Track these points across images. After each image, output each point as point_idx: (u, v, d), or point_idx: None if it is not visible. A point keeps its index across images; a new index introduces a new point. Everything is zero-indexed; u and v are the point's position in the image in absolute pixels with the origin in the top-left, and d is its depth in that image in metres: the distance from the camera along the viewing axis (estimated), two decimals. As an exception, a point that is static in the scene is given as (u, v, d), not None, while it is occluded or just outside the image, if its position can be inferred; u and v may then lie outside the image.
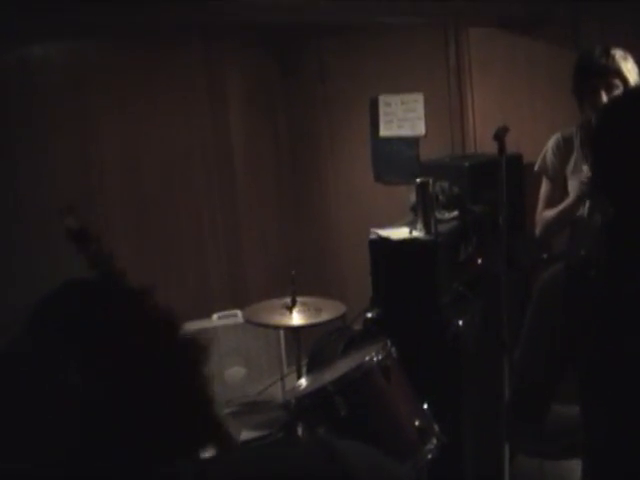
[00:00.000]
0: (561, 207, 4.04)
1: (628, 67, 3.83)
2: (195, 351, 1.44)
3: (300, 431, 3.27)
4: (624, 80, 3.79)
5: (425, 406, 3.40)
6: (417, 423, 3.29)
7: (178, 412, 1.38)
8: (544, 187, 4.19)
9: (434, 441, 3.32)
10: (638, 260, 2.06)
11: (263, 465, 1.41)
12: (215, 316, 5.37)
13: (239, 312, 5.16)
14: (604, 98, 3.75)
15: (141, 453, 1.35)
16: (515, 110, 5.55)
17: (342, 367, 3.45)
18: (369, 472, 1.43)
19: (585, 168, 3.87)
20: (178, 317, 1.43)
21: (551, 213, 4.10)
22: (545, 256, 4.28)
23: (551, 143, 4.17)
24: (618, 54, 3.82)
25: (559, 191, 4.12)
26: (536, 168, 4.23)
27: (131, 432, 1.35)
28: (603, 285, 2.05)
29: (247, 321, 4.41)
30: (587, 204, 3.91)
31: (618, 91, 3.77)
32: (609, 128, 2.15)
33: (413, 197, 4.27)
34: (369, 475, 1.41)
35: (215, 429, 1.44)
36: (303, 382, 3.63)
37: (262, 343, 5.41)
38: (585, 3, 5.34)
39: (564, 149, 4.10)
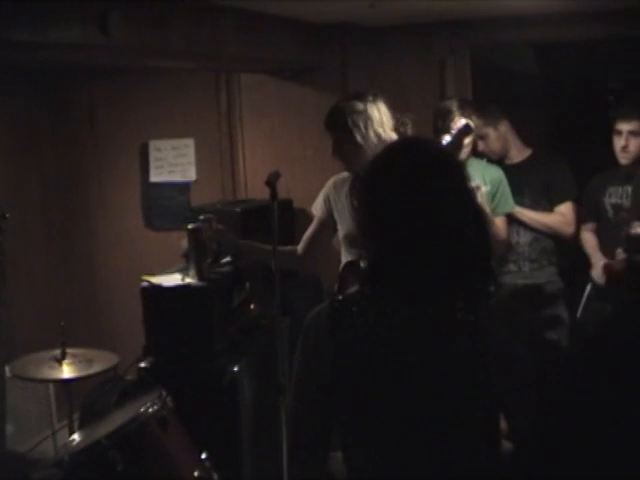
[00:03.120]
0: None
1: (358, 120, 3.89)
2: None
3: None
4: (349, 134, 3.87)
5: (204, 455, 3.35)
6: (196, 473, 3.22)
7: None
8: (311, 225, 4.27)
9: (213, 491, 3.27)
10: (395, 297, 2.14)
11: None
12: (-21, 371, 5.11)
13: (6, 366, 4.93)
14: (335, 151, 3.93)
15: None
16: (286, 156, 5.65)
17: (116, 420, 3.34)
18: None
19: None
20: None
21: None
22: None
23: (326, 185, 4.24)
24: (348, 108, 3.91)
25: (325, 233, 4.22)
26: (312, 208, 4.29)
27: None
28: (364, 319, 2.13)
29: (14, 375, 4.23)
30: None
31: (346, 145, 3.89)
32: (370, 180, 2.23)
33: (185, 243, 4.22)
34: None
35: None
36: (76, 437, 3.49)
37: (31, 398, 5.19)
38: (353, 52, 5.53)
39: (335, 193, 4.18)
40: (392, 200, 2.14)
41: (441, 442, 2.11)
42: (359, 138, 3.87)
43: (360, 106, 3.92)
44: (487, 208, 4.17)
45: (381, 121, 3.94)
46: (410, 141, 2.62)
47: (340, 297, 2.26)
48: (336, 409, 2.19)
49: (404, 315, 2.11)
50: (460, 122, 3.93)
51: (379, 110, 3.95)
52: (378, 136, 3.88)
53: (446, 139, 3.74)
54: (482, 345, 2.07)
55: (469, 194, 2.23)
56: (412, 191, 2.11)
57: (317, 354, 2.19)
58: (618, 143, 4.92)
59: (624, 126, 4.89)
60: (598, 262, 5.02)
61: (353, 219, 2.33)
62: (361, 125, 3.89)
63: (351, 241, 3.99)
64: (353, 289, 2.30)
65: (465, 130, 3.83)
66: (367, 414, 2.15)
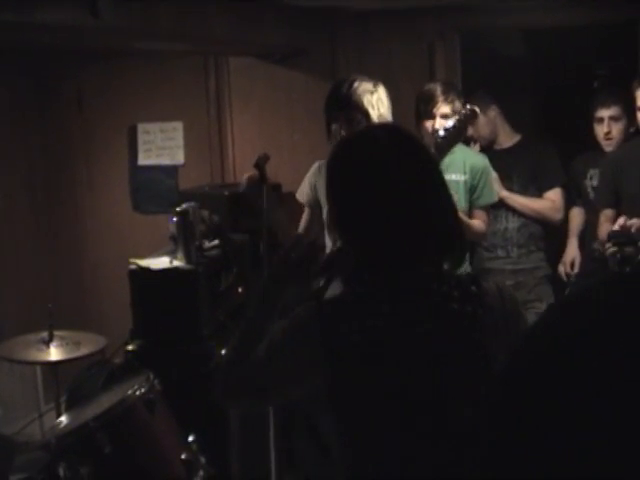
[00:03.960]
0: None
1: (372, 100, 3.80)
2: None
3: (62, 472, 3.14)
4: (365, 114, 3.77)
5: (191, 438, 3.36)
6: (183, 456, 3.23)
7: None
8: (304, 214, 4.21)
9: (201, 473, 3.28)
10: (387, 294, 2.11)
11: None
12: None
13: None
14: (342, 132, 3.72)
15: None
16: (274, 139, 5.63)
17: (104, 402, 3.35)
18: None
19: None
20: None
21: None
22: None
23: (310, 170, 4.15)
24: (362, 87, 3.80)
25: (317, 218, 4.09)
26: (297, 195, 4.23)
27: None
28: (360, 321, 2.08)
29: (1, 358, 4.22)
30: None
31: (360, 125, 3.70)
32: (337, 171, 2.20)
33: (173, 226, 4.22)
34: None
35: None
36: (63, 420, 3.49)
37: (18, 380, 5.18)
38: (342, 36, 5.51)
39: (320, 177, 4.03)
40: (366, 200, 2.10)
41: (444, 431, 2.08)
42: (375, 118, 3.76)
43: (371, 86, 3.83)
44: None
45: (388, 105, 3.88)
46: (379, 131, 2.38)
47: (328, 300, 2.19)
48: (335, 409, 2.16)
49: (399, 311, 2.07)
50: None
51: (385, 93, 3.90)
52: (386, 120, 3.79)
53: (448, 124, 3.67)
54: (481, 334, 2.07)
55: (438, 179, 2.19)
56: (385, 187, 2.08)
57: (305, 355, 2.11)
58: (600, 131, 4.92)
59: (604, 112, 4.90)
60: (570, 253, 5.14)
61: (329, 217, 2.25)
62: (375, 105, 3.80)
63: None
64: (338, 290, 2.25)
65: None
66: (372, 413, 2.11)
